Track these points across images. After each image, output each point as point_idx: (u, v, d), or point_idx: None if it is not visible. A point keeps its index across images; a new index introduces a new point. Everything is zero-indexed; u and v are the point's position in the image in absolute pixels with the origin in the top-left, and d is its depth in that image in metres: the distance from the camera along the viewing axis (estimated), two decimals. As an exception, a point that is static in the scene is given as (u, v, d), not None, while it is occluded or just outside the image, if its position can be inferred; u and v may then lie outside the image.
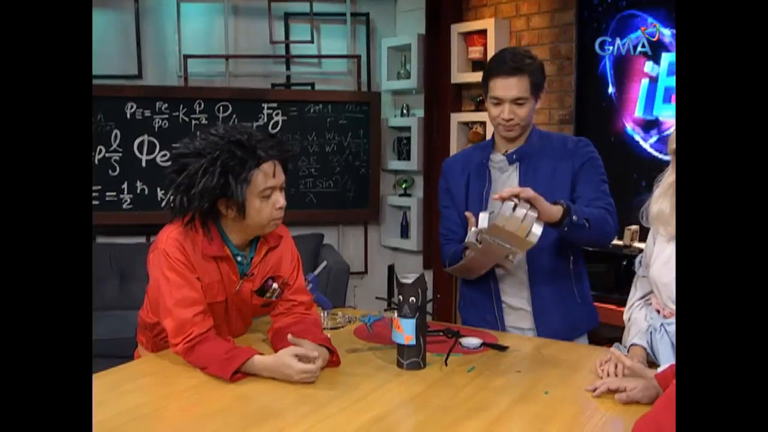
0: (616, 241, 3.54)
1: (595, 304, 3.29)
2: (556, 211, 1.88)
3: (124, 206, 4.44)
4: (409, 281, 1.73)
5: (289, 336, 1.72)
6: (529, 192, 1.82)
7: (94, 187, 4.35)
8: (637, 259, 1.92)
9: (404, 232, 4.90)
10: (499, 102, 2.04)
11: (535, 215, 1.83)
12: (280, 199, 1.79)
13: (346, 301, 4.33)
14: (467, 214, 2.01)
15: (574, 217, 1.89)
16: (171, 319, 1.74)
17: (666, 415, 1.17)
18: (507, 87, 2.01)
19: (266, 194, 1.75)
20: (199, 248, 1.78)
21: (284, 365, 1.63)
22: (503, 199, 1.83)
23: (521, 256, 2.07)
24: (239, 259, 1.84)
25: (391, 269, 4.97)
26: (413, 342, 1.73)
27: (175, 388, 1.64)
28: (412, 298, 1.72)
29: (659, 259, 1.75)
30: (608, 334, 3.12)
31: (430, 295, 1.78)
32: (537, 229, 1.84)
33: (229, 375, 1.63)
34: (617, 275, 3.38)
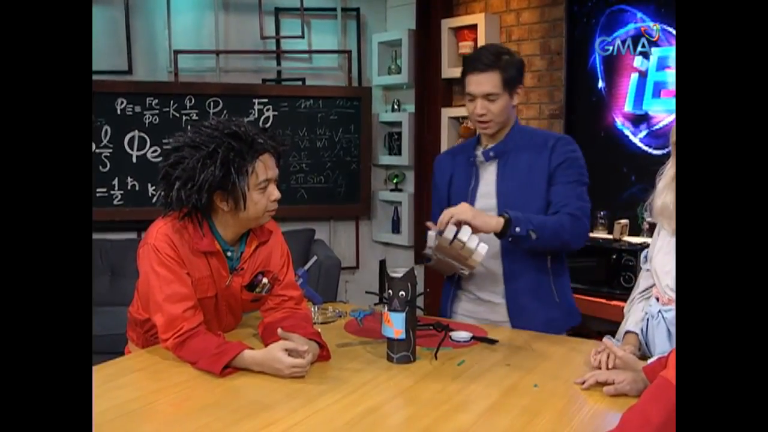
0: (605, 235, 3.57)
1: (585, 297, 3.35)
2: (494, 225, 1.95)
3: (115, 202, 4.43)
4: (399, 275, 1.73)
5: (279, 330, 1.72)
6: (461, 215, 1.91)
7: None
8: (642, 254, 1.92)
9: (395, 227, 4.91)
10: (472, 98, 2.08)
11: (476, 239, 1.91)
12: (275, 191, 1.79)
13: (338, 296, 4.33)
14: (428, 224, 2.06)
15: (517, 229, 1.94)
16: (161, 314, 1.73)
17: (652, 407, 1.19)
18: (478, 83, 2.05)
19: (263, 186, 1.76)
20: (189, 243, 1.78)
21: (274, 360, 1.63)
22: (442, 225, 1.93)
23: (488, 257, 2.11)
24: (229, 254, 1.84)
25: (382, 264, 4.95)
26: (403, 336, 1.73)
27: (166, 383, 1.64)
28: (402, 292, 1.72)
29: (662, 250, 1.76)
30: (598, 327, 3.15)
31: (420, 288, 1.80)
32: (482, 249, 1.93)
33: (219, 370, 1.63)
34: (607, 269, 3.40)
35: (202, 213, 1.77)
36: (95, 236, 4.43)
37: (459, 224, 1.93)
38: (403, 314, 1.72)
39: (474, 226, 1.93)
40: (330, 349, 1.81)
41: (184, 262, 1.77)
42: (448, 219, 1.92)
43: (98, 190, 4.39)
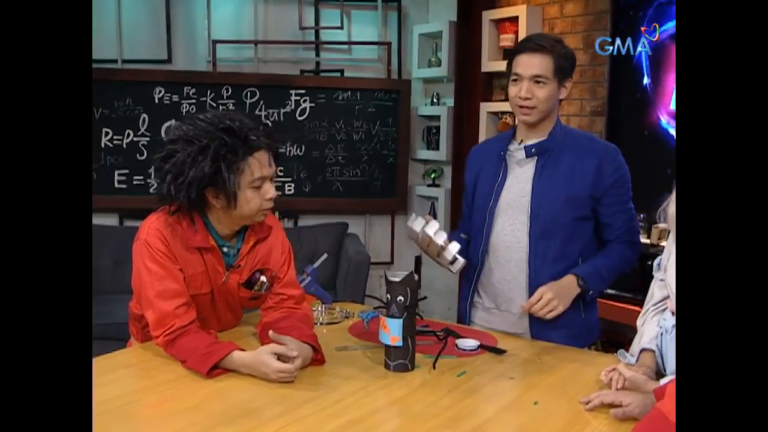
0: (642, 240, 3.38)
1: (617, 304, 3.20)
2: (574, 292, 1.96)
3: (151, 190, 4.45)
4: (397, 279, 1.65)
5: (271, 333, 1.65)
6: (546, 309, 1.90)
7: (121, 171, 4.40)
8: (656, 262, 1.80)
9: (432, 224, 4.80)
10: (518, 79, 1.96)
11: (444, 235, 1.88)
12: (270, 189, 1.72)
13: (370, 291, 4.26)
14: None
15: (591, 293, 2.00)
16: (152, 311, 1.69)
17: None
18: (528, 64, 1.93)
19: (257, 184, 1.69)
20: (182, 238, 1.73)
21: (262, 363, 1.57)
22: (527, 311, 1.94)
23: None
24: (225, 250, 1.79)
25: (418, 260, 4.89)
26: (399, 343, 1.65)
27: (152, 381, 1.60)
28: (400, 297, 1.64)
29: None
30: (631, 334, 2.99)
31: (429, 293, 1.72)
32: (452, 248, 1.89)
33: (205, 371, 1.58)
34: (642, 275, 3.22)
35: (194, 208, 1.71)
36: (131, 224, 4.48)
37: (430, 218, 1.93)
38: (401, 320, 1.64)
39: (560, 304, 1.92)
40: (328, 352, 1.74)
41: (177, 258, 1.72)
42: (544, 303, 1.91)
43: (135, 177, 4.43)
